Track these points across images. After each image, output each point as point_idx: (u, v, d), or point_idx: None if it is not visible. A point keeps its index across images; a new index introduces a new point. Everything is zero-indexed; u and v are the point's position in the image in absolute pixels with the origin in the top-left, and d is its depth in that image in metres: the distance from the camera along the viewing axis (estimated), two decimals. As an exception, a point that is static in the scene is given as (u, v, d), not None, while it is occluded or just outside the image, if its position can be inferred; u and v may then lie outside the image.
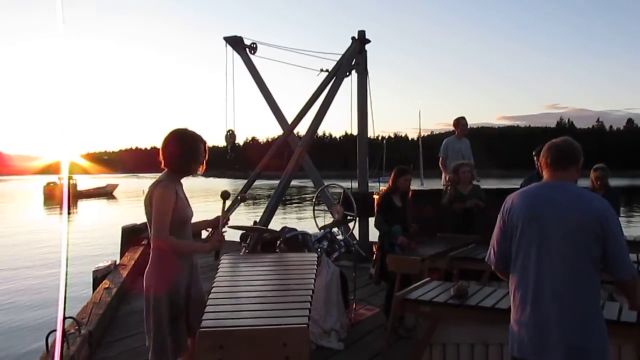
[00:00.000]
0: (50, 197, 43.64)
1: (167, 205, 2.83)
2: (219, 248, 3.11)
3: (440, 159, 7.82)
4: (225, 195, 3.18)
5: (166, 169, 2.97)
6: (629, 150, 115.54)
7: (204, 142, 3.03)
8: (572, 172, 2.51)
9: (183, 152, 2.93)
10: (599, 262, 2.34)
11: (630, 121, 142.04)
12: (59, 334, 4.21)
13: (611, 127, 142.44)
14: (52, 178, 51.14)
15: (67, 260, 13.48)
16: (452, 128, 7.99)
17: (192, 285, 3.02)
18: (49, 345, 4.31)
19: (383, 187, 7.16)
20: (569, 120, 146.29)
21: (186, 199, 3.06)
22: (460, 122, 7.73)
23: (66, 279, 10.85)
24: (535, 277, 2.40)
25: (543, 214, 2.41)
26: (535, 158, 5.02)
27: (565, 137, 2.62)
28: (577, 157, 2.53)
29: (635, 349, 2.85)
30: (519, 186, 5.54)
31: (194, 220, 3.12)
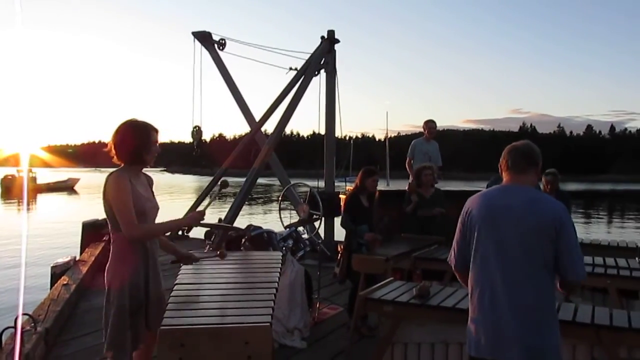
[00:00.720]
0: (8, 191, 42.28)
1: (124, 195, 2.75)
2: (192, 225, 3.07)
3: (407, 160, 7.91)
4: (224, 184, 3.18)
5: (120, 163, 2.89)
6: (588, 155, 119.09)
7: (156, 130, 2.94)
8: (532, 175, 2.57)
9: (135, 143, 2.85)
10: (553, 262, 2.41)
11: (589, 127, 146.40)
12: (19, 331, 4.09)
13: (571, 132, 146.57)
14: (10, 171, 49.53)
15: (24, 257, 13.09)
16: (419, 129, 8.08)
17: (150, 279, 2.96)
18: (3, 342, 4.18)
19: (349, 186, 7.20)
20: (531, 125, 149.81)
21: (151, 192, 3.00)
22: (429, 124, 7.82)
23: (22, 276, 10.52)
24: (491, 277, 2.45)
25: (500, 216, 2.46)
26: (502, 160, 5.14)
27: (526, 140, 2.67)
28: (537, 161, 2.59)
29: (589, 349, 2.94)
30: (484, 187, 5.66)
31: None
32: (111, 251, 2.89)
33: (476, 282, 2.52)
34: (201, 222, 3.15)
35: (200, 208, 3.19)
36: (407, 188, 6.18)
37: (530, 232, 2.39)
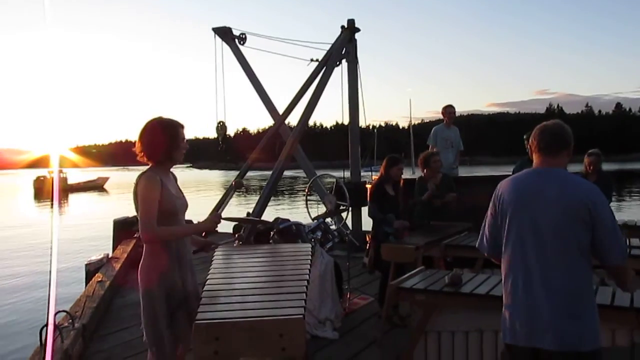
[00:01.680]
0: (41, 191, 43.30)
1: (151, 197, 2.76)
2: (210, 230, 3.06)
3: (429, 147, 7.83)
4: (238, 185, 3.19)
5: (150, 162, 2.89)
6: (618, 134, 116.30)
7: (183, 126, 2.94)
8: (564, 157, 2.50)
9: (164, 141, 2.84)
10: (588, 247, 2.35)
11: (618, 105, 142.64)
12: (50, 327, 4.18)
13: (600, 111, 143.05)
14: (41, 172, 50.68)
15: (56, 254, 13.39)
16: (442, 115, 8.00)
17: (187, 277, 2.99)
18: (43, 339, 4.29)
19: (375, 176, 7.16)
20: (558, 105, 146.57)
21: (179, 190, 3.02)
22: (447, 110, 7.73)
23: (54, 273, 10.77)
24: (525, 263, 2.41)
25: (532, 200, 2.42)
26: (525, 142, 4.99)
27: (557, 120, 2.59)
28: (569, 142, 2.51)
29: (628, 333, 2.87)
30: (510, 172, 5.56)
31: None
32: (144, 250, 2.91)
33: (509, 268, 2.48)
34: (231, 217, 3.14)
35: (222, 213, 3.17)
36: (418, 179, 6.06)
37: (563, 216, 2.34)
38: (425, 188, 5.77)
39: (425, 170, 5.88)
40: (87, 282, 7.17)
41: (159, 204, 2.79)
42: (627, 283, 2.52)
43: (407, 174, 9.05)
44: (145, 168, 2.93)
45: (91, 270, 7.55)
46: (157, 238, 2.81)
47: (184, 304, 2.93)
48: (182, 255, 2.96)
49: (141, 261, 2.91)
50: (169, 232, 2.86)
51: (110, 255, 8.31)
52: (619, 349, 2.96)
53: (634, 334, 2.86)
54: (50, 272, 10.78)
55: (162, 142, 2.84)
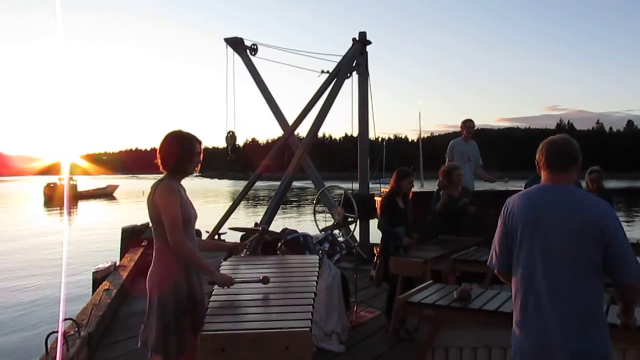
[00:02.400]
0: (51, 198, 43.58)
1: (174, 205, 2.85)
2: (223, 285, 3.06)
3: (446, 160, 7.79)
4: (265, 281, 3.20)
5: (165, 171, 2.99)
6: (629, 151, 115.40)
7: (199, 142, 3.06)
8: (572, 172, 2.46)
9: (179, 153, 2.95)
10: (601, 266, 2.31)
11: (630, 123, 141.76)
12: (60, 335, 4.19)
13: (611, 128, 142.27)
14: (52, 179, 51.04)
15: (65, 263, 13.46)
16: (452, 129, 8.12)
17: (194, 285, 3.01)
18: (49, 346, 4.29)
19: (384, 188, 7.13)
20: (568, 122, 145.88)
21: (188, 199, 3.07)
22: (467, 124, 7.70)
23: (63, 282, 10.82)
24: (536, 281, 2.37)
25: (543, 218, 2.38)
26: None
27: (564, 134, 2.55)
28: (577, 157, 2.47)
29: (639, 354, 2.82)
30: (522, 188, 5.52)
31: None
32: (154, 257, 2.95)
33: (520, 286, 2.44)
34: (238, 227, 3.13)
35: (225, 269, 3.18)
36: (438, 186, 6.08)
37: (575, 234, 2.30)
38: (440, 197, 5.77)
39: (446, 182, 5.87)
40: (94, 290, 7.17)
41: None
42: (633, 303, 2.47)
43: (416, 187, 9.01)
44: (154, 176, 2.99)
45: (98, 278, 7.56)
46: (183, 251, 2.85)
47: (190, 311, 2.94)
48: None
49: (151, 267, 2.95)
50: (192, 254, 2.90)
51: (117, 264, 8.32)
52: (630, 369, 2.91)
53: (645, 354, 2.81)
54: (61, 279, 10.86)
55: (177, 154, 2.96)
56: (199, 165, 3.08)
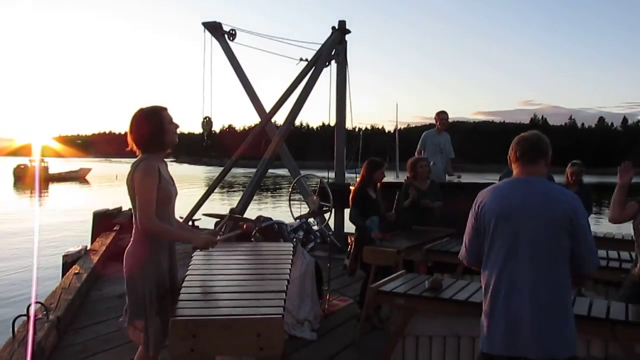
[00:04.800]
0: (21, 179, 42.65)
1: (151, 187, 2.77)
2: (204, 249, 3.03)
3: (418, 151, 7.84)
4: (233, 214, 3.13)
5: (142, 153, 2.89)
6: (600, 147, 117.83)
7: (165, 109, 2.93)
8: (542, 165, 2.52)
9: (150, 130, 2.85)
10: (568, 256, 2.38)
11: (601, 119, 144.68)
12: (32, 319, 4.11)
13: (583, 124, 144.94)
14: (23, 160, 49.90)
15: (37, 245, 13.21)
16: (429, 121, 8.05)
17: (175, 267, 3.00)
18: (16, 330, 4.21)
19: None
20: (542, 117, 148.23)
21: (170, 178, 3.00)
22: (440, 116, 7.74)
23: (35, 265, 10.62)
24: (506, 272, 2.42)
25: (513, 210, 2.43)
26: None
27: (535, 130, 2.63)
28: (546, 151, 2.54)
29: (603, 344, 2.90)
30: (497, 179, 5.59)
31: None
32: (133, 236, 2.88)
33: (490, 277, 2.48)
34: (212, 214, 3.10)
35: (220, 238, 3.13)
36: (404, 181, 6.08)
37: (545, 225, 2.36)
38: (409, 193, 5.78)
39: (412, 175, 5.89)
40: (63, 274, 7.06)
41: (158, 190, 2.80)
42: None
43: (391, 178, 9.01)
44: (128, 160, 2.91)
45: (68, 262, 7.42)
46: (153, 230, 2.80)
47: (170, 294, 2.91)
48: (172, 244, 2.98)
49: (129, 246, 2.89)
50: (165, 230, 2.85)
51: (88, 248, 8.19)
52: (594, 359, 2.99)
53: (608, 345, 2.89)
54: (33, 262, 10.66)
55: (150, 131, 2.85)
56: (177, 129, 2.96)
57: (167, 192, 2.87)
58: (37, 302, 4.77)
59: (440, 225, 5.74)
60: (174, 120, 2.96)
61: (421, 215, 5.80)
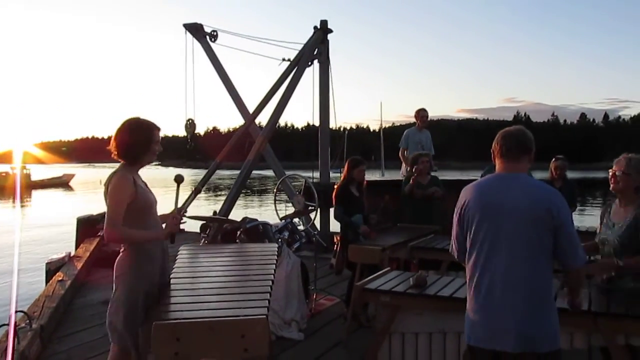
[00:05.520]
0: (3, 188, 42.01)
1: (122, 196, 2.77)
2: (175, 231, 3.03)
3: (401, 149, 7.88)
4: (179, 180, 3.13)
5: (120, 160, 2.90)
6: (582, 143, 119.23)
7: (158, 129, 2.96)
8: (525, 162, 2.54)
9: (136, 142, 2.86)
10: (551, 251, 2.40)
11: (583, 115, 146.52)
12: (11, 329, 4.05)
13: (565, 121, 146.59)
14: (4, 168, 49.16)
15: (17, 253, 13.01)
16: (413, 119, 8.06)
17: (164, 272, 3.00)
18: (-2, 340, 4.15)
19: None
20: (525, 114, 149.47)
21: (147, 187, 2.99)
22: (420, 113, 7.80)
23: (16, 273, 10.46)
24: (489, 267, 2.44)
25: (496, 205, 2.45)
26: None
27: (519, 126, 2.64)
28: (530, 147, 2.56)
29: (586, 337, 2.93)
30: (479, 177, 5.63)
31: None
32: (123, 246, 2.89)
33: (474, 272, 2.51)
34: (198, 216, 3.09)
35: (180, 211, 3.12)
36: (410, 170, 6.13)
37: (527, 221, 2.38)
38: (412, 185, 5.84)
39: (414, 170, 5.94)
40: (47, 282, 6.97)
41: (135, 200, 2.80)
42: (579, 287, 2.62)
43: (376, 176, 9.02)
44: (112, 165, 2.89)
45: (52, 269, 7.33)
46: (119, 238, 2.81)
47: (158, 299, 2.89)
48: (161, 252, 2.99)
49: (119, 257, 2.88)
50: (132, 234, 2.85)
51: (72, 254, 8.10)
52: (577, 351, 3.03)
53: (591, 337, 2.92)
54: (13, 271, 10.49)
55: (134, 143, 2.86)
56: (157, 152, 2.97)
57: (147, 199, 2.88)
58: (19, 311, 4.70)
59: (439, 220, 5.76)
60: (159, 143, 2.96)
61: (420, 207, 5.82)
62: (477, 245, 2.49)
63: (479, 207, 2.49)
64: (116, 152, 2.88)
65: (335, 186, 5.54)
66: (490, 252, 2.44)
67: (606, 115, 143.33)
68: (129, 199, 2.79)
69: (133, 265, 2.83)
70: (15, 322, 4.47)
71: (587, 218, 20.97)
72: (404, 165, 7.95)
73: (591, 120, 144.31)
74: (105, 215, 2.76)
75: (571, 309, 2.73)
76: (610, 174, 3.30)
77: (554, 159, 6.33)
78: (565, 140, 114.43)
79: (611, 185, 3.32)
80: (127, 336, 2.80)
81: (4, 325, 4.18)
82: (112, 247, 2.95)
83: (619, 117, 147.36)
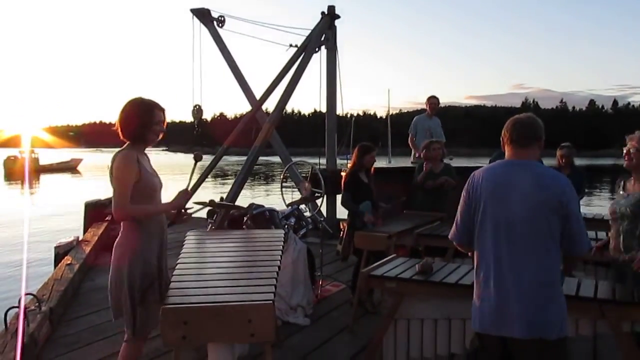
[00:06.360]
0: (11, 172, 42.28)
1: (127, 175, 2.78)
2: (182, 206, 3.05)
3: (410, 136, 7.85)
4: (197, 158, 3.19)
5: (125, 140, 2.92)
6: (590, 130, 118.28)
7: (162, 109, 2.97)
8: (535, 149, 2.54)
9: (139, 121, 2.87)
10: (559, 238, 2.40)
11: (592, 102, 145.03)
12: (21, 311, 4.10)
13: (574, 107, 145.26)
14: (12, 152, 49.44)
15: (27, 237, 13.14)
16: (421, 106, 8.04)
17: (162, 256, 3.00)
18: (8, 322, 4.21)
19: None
20: (533, 100, 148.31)
21: (153, 170, 3.00)
22: (430, 100, 7.77)
23: (25, 256, 10.58)
24: (497, 253, 2.45)
25: (506, 192, 2.45)
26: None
27: (529, 113, 2.64)
28: (540, 134, 2.56)
29: (591, 323, 2.93)
30: (487, 163, 5.61)
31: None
32: (122, 227, 2.90)
33: (482, 258, 2.52)
34: (204, 202, 3.10)
35: (190, 189, 3.16)
36: (420, 157, 6.12)
37: (537, 207, 2.38)
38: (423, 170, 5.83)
39: (426, 157, 5.92)
40: (55, 265, 7.04)
41: (139, 181, 2.81)
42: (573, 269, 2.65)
43: (383, 163, 9.01)
44: (119, 149, 2.91)
45: (60, 253, 7.41)
46: (129, 216, 2.82)
47: (157, 284, 2.91)
48: (160, 232, 2.98)
49: (118, 238, 2.90)
50: (141, 210, 2.86)
51: (80, 238, 8.17)
52: (582, 337, 3.04)
53: (596, 324, 2.92)
54: (23, 254, 10.61)
55: (136, 121, 2.87)
56: (162, 134, 2.99)
57: (150, 183, 2.88)
58: (28, 294, 4.76)
59: (450, 208, 5.75)
60: (163, 123, 2.98)
61: (431, 196, 5.82)
62: (485, 231, 2.50)
63: (489, 193, 2.49)
64: (120, 132, 2.91)
65: (344, 173, 5.53)
66: (499, 238, 2.44)
67: (615, 102, 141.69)
68: (134, 177, 2.80)
69: (132, 247, 2.84)
70: (25, 305, 4.53)
71: (595, 205, 20.94)
72: (413, 151, 7.93)
73: (600, 106, 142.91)
74: (113, 194, 2.78)
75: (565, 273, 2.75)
76: (625, 151, 3.29)
77: (560, 147, 6.28)
78: (573, 127, 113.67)
79: (625, 163, 3.32)
80: (129, 319, 2.82)
81: (14, 307, 4.23)
82: (119, 231, 2.96)
83: (629, 103, 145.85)
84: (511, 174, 2.48)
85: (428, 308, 3.28)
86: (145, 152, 3.04)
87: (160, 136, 2.99)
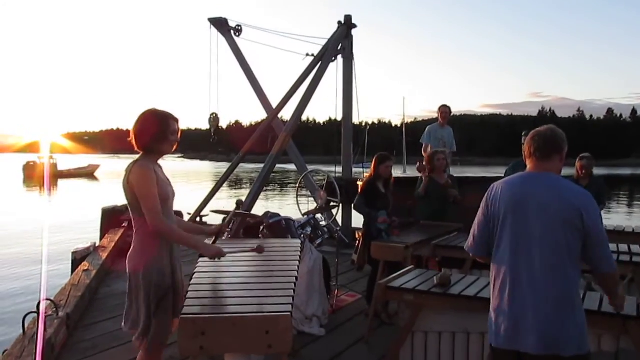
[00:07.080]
0: (30, 177, 42.87)
1: (151, 187, 2.79)
2: (212, 257, 3.04)
3: (424, 145, 7.82)
4: (239, 203, 3.16)
5: (139, 150, 2.93)
6: (608, 139, 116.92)
7: (176, 120, 2.98)
8: (556, 161, 2.51)
9: (154, 131, 2.88)
10: (579, 253, 2.36)
11: (610, 110, 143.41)
12: (42, 316, 4.13)
13: (591, 116, 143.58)
14: (31, 157, 50.12)
15: (47, 243, 13.28)
16: (436, 115, 8.00)
17: (176, 268, 3.00)
18: (26, 327, 4.24)
19: (367, 173, 7.13)
20: (550, 109, 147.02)
21: (167, 178, 3.02)
22: (442, 109, 7.74)
23: (45, 262, 10.68)
24: (514, 267, 2.42)
25: (525, 204, 2.42)
26: (522, 139, 4.95)
27: (550, 125, 2.61)
28: (562, 147, 2.52)
29: (615, 339, 2.88)
30: (502, 174, 5.55)
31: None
32: (134, 237, 2.90)
33: (499, 271, 2.49)
34: (220, 210, 3.09)
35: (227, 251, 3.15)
36: (420, 168, 6.09)
37: (556, 221, 2.34)
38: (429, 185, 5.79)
39: (430, 168, 5.89)
40: (73, 271, 7.10)
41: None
42: (615, 288, 2.56)
43: (398, 172, 8.96)
44: (136, 156, 2.92)
45: (77, 258, 7.48)
46: (163, 230, 2.81)
47: (172, 293, 2.91)
48: (173, 245, 2.97)
49: (132, 247, 2.90)
50: (173, 231, 2.86)
51: (97, 244, 8.24)
52: (605, 353, 2.98)
53: (620, 339, 2.87)
54: (42, 260, 10.72)
55: (151, 132, 2.88)
56: (176, 144, 3.00)
57: (164, 192, 2.88)
58: (46, 299, 4.80)
59: (455, 219, 5.71)
60: (177, 133, 2.99)
61: (436, 208, 5.78)
62: (502, 243, 2.47)
63: (507, 204, 2.46)
64: (135, 142, 2.92)
65: (360, 182, 5.52)
66: (517, 252, 2.41)
67: (634, 111, 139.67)
68: (156, 186, 2.81)
69: (147, 257, 2.84)
70: (44, 310, 4.57)
71: (613, 216, 20.63)
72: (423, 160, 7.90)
73: (618, 115, 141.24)
74: (145, 211, 2.77)
75: (616, 311, 2.69)
76: None
77: (579, 158, 6.21)
78: (591, 136, 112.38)
79: None
80: (142, 325, 2.82)
81: (32, 312, 4.27)
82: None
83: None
84: (530, 187, 2.46)
85: (446, 321, 3.25)
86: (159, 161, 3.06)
87: (175, 147, 3.01)
